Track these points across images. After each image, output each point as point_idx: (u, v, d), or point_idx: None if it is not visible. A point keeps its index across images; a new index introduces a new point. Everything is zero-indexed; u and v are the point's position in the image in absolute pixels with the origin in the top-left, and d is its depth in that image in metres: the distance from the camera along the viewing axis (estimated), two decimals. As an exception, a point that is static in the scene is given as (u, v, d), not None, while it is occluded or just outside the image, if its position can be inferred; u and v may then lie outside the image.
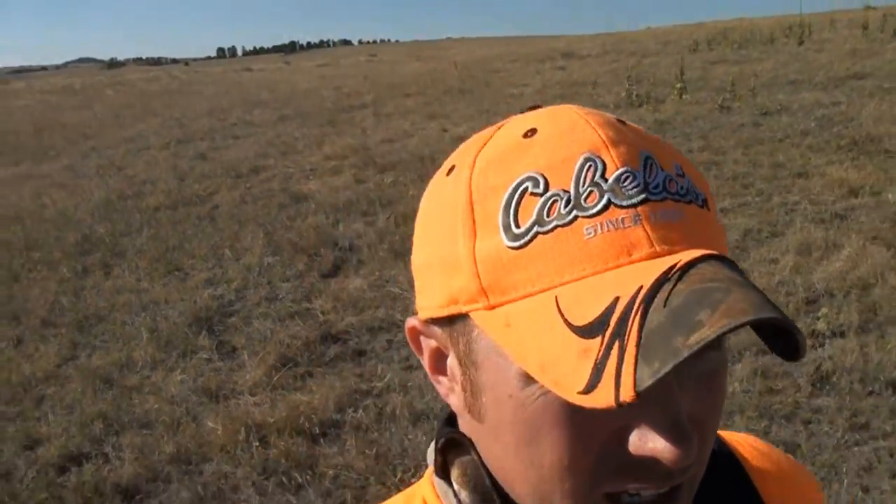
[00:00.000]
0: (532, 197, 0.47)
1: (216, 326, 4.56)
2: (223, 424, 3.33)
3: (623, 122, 0.52)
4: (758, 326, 0.44)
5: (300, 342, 4.17)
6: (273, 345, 4.13)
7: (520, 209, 0.47)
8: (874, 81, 10.58)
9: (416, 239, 0.55)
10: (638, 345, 0.40)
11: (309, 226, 6.32)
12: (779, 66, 13.08)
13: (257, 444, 3.20)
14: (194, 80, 28.39)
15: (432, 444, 0.59)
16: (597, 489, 0.47)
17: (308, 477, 2.99)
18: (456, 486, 0.57)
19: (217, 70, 36.18)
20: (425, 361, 0.57)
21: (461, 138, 0.55)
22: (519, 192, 0.47)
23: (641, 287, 0.42)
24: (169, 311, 4.77)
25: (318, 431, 3.31)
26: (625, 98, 11.30)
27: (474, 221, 0.49)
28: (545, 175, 0.47)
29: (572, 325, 0.43)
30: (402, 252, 5.53)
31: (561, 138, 0.49)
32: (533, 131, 0.50)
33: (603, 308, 0.42)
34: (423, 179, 5.57)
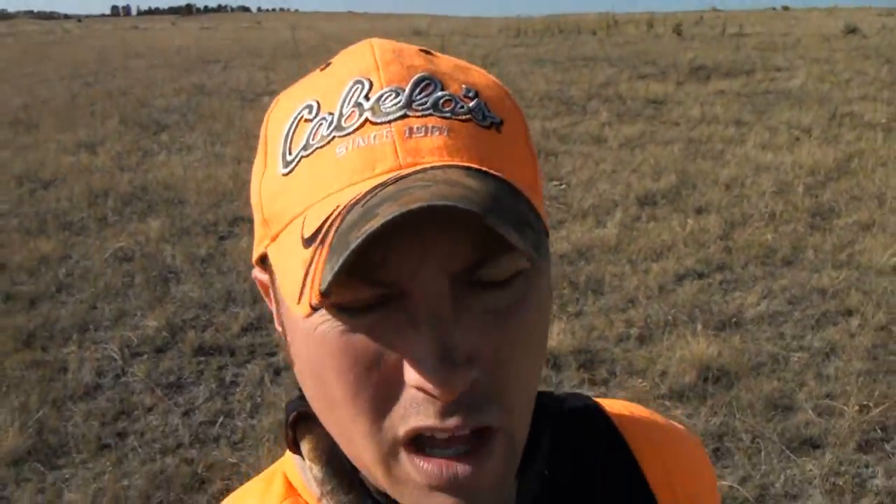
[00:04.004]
0: (305, 123, 0.46)
1: (90, 147, 9.47)
2: (89, 157, 8.34)
3: (427, 52, 0.51)
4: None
5: (130, 142, 9.20)
6: (116, 149, 9.10)
7: (293, 136, 0.46)
8: (578, 61, 15.37)
9: None
10: (330, 245, 0.39)
11: (146, 114, 11.35)
12: (553, 50, 17.51)
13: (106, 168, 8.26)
14: (86, 34, 32.33)
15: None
16: (389, 427, 0.45)
17: (117, 191, 8.07)
18: (308, 462, 0.55)
19: (107, 28, 39.85)
20: (274, 312, 0.53)
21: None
22: (296, 120, 0.47)
23: (359, 194, 0.41)
24: (67, 140, 9.66)
25: (130, 165, 8.34)
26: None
27: (266, 155, 0.49)
28: (318, 101, 0.47)
29: (303, 239, 0.42)
30: (193, 126, 10.59)
31: (342, 66, 0.49)
32: (328, 64, 0.50)
33: (323, 218, 0.41)
34: (229, 97, 12.87)
